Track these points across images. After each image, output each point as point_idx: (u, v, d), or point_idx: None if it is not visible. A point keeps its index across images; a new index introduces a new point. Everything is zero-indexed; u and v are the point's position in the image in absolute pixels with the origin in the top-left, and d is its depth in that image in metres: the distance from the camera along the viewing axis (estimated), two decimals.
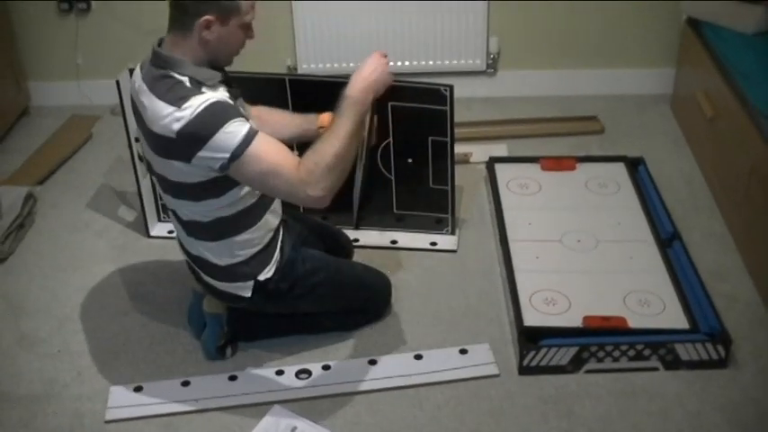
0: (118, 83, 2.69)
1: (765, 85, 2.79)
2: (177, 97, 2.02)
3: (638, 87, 3.76)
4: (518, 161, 3.22)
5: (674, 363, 2.34)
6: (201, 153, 2.01)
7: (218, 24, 2.07)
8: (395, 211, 2.87)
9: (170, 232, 2.96)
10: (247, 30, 2.14)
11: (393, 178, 2.80)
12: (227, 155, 2.00)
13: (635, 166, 3.16)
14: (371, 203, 2.85)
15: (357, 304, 2.51)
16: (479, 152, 3.31)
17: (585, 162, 3.19)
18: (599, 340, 2.33)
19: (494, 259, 2.79)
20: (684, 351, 2.33)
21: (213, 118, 2.00)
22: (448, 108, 2.61)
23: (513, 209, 2.93)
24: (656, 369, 2.35)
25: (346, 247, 2.72)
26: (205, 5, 2.05)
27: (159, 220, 3.00)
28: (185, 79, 2.06)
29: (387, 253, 2.81)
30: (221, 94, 2.08)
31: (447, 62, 3.65)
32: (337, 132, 2.07)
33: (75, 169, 3.38)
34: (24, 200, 3.00)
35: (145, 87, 2.09)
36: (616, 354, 2.33)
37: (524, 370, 2.35)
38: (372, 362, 2.41)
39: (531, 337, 2.35)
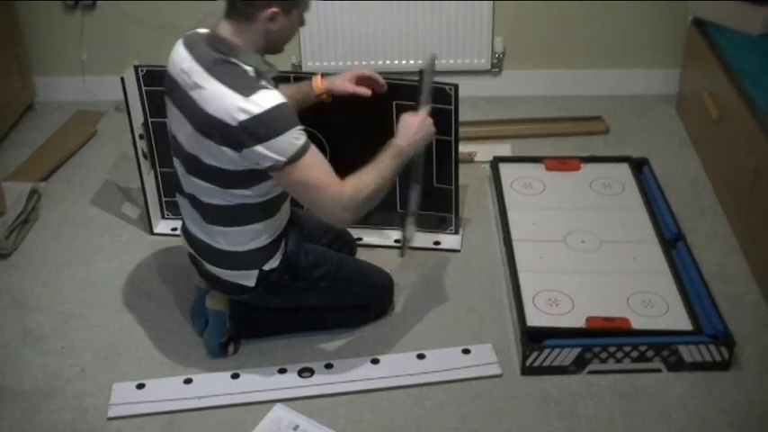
0: (122, 79, 2.69)
1: None
2: (243, 86, 2.05)
3: (644, 88, 3.75)
4: (522, 161, 3.22)
5: (677, 364, 2.34)
6: (258, 148, 2.04)
7: (282, 15, 2.11)
8: (398, 210, 2.87)
9: (173, 229, 2.96)
10: (302, 18, 2.19)
11: (397, 177, 2.79)
12: (284, 159, 2.06)
13: (639, 166, 3.16)
14: None
15: (359, 300, 2.51)
16: (484, 152, 3.31)
17: (590, 162, 3.18)
18: (602, 341, 2.33)
19: (497, 259, 2.79)
20: (688, 353, 2.33)
21: (281, 120, 2.05)
22: (453, 107, 2.61)
23: (517, 209, 2.93)
24: (659, 371, 2.35)
25: (349, 245, 2.72)
26: None
27: (163, 218, 3.00)
28: (249, 69, 2.10)
29: (390, 252, 2.81)
30: (279, 92, 2.10)
31: (452, 61, 3.65)
32: (381, 171, 2.21)
33: (80, 165, 3.38)
34: (29, 195, 3.00)
35: (199, 69, 2.10)
36: (619, 355, 2.33)
37: (527, 370, 2.35)
38: (375, 361, 2.41)
39: (534, 338, 2.35)
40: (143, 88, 2.75)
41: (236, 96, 2.04)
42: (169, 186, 2.93)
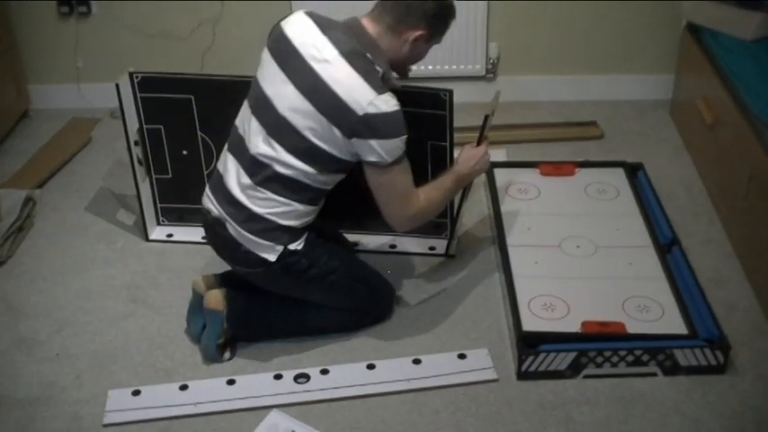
0: (117, 86, 2.69)
1: (765, 93, 2.79)
2: (376, 84, 2.20)
3: (638, 93, 3.76)
4: (517, 166, 3.23)
5: (672, 369, 2.34)
6: (372, 142, 2.19)
7: (423, 42, 2.30)
8: None
9: (168, 236, 2.96)
10: (428, 51, 2.39)
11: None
12: (389, 159, 2.22)
13: (634, 171, 3.17)
14: (371, 208, 2.85)
15: (359, 303, 2.51)
16: None
17: (585, 167, 3.19)
18: (598, 346, 2.33)
19: (492, 264, 2.79)
20: (683, 357, 2.33)
21: (399, 124, 2.23)
22: (447, 113, 2.61)
23: (512, 214, 2.94)
24: (654, 375, 2.35)
25: (349, 249, 2.74)
26: (428, 21, 2.27)
27: (158, 224, 3.00)
28: (380, 71, 2.25)
29: (386, 257, 2.81)
30: None
31: (447, 67, 3.65)
32: (444, 193, 2.44)
33: (75, 172, 3.38)
34: (24, 203, 3.00)
35: (334, 50, 2.20)
36: (615, 359, 2.33)
37: (523, 375, 2.35)
38: (371, 366, 2.41)
39: (529, 343, 2.35)
40: (138, 95, 2.75)
41: (369, 90, 2.18)
42: (164, 193, 2.94)
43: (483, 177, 3.20)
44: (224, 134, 2.76)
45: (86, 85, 3.77)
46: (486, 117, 2.60)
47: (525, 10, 3.61)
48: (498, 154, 3.37)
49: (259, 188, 2.29)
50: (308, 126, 2.22)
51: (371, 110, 2.17)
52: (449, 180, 2.46)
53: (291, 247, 2.33)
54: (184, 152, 2.86)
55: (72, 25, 3.67)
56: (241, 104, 2.65)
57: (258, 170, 2.29)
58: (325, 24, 2.27)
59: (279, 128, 2.25)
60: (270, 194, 2.29)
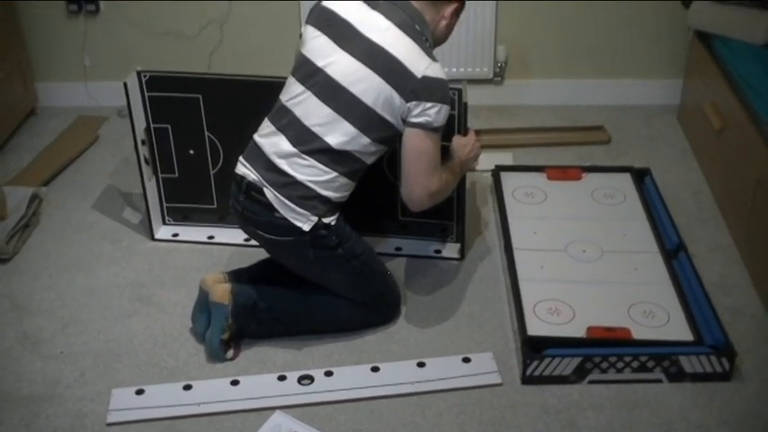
0: (125, 84, 2.69)
1: None
2: (429, 53, 2.30)
3: (646, 98, 3.75)
4: (524, 170, 3.22)
5: (677, 375, 2.34)
6: (427, 104, 2.27)
7: (455, 16, 2.41)
8: (400, 217, 2.87)
9: (174, 235, 2.96)
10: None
11: (399, 184, 2.79)
12: (435, 125, 2.29)
13: (641, 176, 3.16)
14: (377, 210, 2.85)
15: (371, 298, 2.52)
16: (485, 160, 3.29)
17: (591, 172, 3.18)
18: (603, 351, 2.33)
19: (498, 268, 2.79)
20: (689, 363, 2.32)
21: (449, 94, 2.34)
22: (456, 112, 2.59)
23: (519, 218, 2.93)
24: (659, 381, 2.34)
25: None
26: None
27: (164, 223, 3.00)
28: (428, 44, 2.34)
29: (391, 260, 2.81)
30: None
31: (454, 70, 3.65)
32: (453, 175, 2.48)
33: (81, 170, 3.38)
34: (30, 200, 3.00)
35: (386, 21, 2.30)
36: (620, 365, 2.33)
37: (527, 379, 2.35)
38: (375, 369, 2.41)
39: (534, 347, 2.35)
40: (146, 94, 2.75)
41: (425, 56, 2.28)
42: (170, 192, 2.94)
43: (489, 181, 3.20)
44: (231, 134, 2.78)
45: (94, 83, 3.78)
46: (466, 105, 2.60)
47: (533, 14, 3.60)
48: (505, 158, 3.36)
49: (304, 155, 2.32)
50: (365, 91, 2.28)
51: (430, 73, 2.26)
52: (455, 165, 2.50)
53: (325, 220, 2.35)
54: (191, 152, 2.86)
55: (80, 23, 3.68)
56: (249, 105, 2.67)
57: (307, 140, 2.31)
58: (370, 1, 2.35)
59: (331, 93, 2.30)
60: (314, 162, 2.31)
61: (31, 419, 2.27)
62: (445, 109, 2.30)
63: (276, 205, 2.34)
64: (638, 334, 2.40)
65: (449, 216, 2.83)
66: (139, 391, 2.34)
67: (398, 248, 2.87)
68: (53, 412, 2.30)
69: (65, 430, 2.24)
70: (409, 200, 2.39)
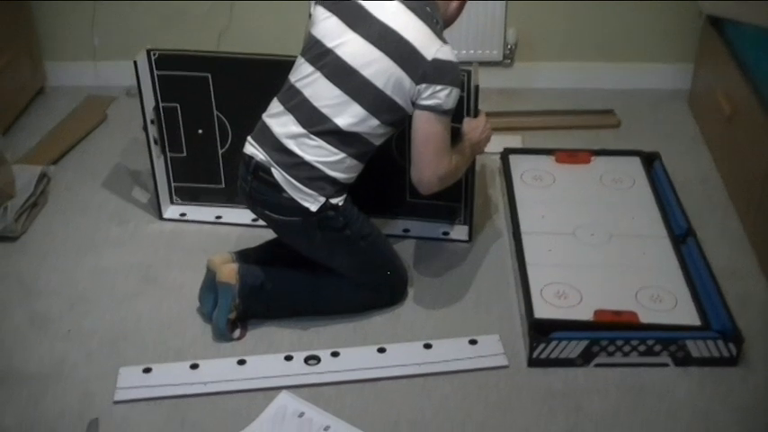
0: (135, 64, 2.68)
1: None
2: (439, 34, 2.30)
3: (656, 82, 3.73)
4: (533, 153, 3.21)
5: (684, 360, 2.33)
6: (437, 86, 2.25)
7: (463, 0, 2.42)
8: (408, 199, 2.86)
9: (182, 215, 2.96)
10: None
11: (407, 166, 2.78)
12: (445, 108, 2.28)
13: (651, 161, 3.14)
14: (384, 191, 2.85)
15: (377, 280, 2.52)
16: (494, 143, 3.28)
17: (601, 156, 3.17)
18: (610, 335, 2.32)
19: (506, 251, 2.79)
20: (695, 348, 2.32)
21: (459, 77, 2.34)
22: (466, 94, 2.58)
23: (527, 201, 2.92)
24: (666, 365, 2.34)
25: None
26: None
27: (172, 203, 3.00)
28: (438, 26, 2.33)
29: (398, 242, 2.80)
30: None
31: (464, 52, 3.63)
32: (464, 158, 2.48)
33: (90, 150, 3.38)
34: (38, 179, 3.01)
35: (398, 2, 2.29)
36: (626, 349, 2.32)
37: (533, 362, 2.35)
38: (381, 350, 2.41)
39: (541, 330, 2.34)
40: (155, 72, 2.75)
41: (436, 38, 2.27)
42: (179, 171, 2.94)
43: (498, 163, 3.19)
44: (240, 113, 2.77)
45: (103, 62, 3.77)
46: (477, 87, 2.58)
47: None
48: (514, 140, 3.35)
49: (313, 136, 2.31)
50: (376, 73, 2.27)
51: (441, 55, 2.25)
52: (466, 147, 2.49)
53: (333, 201, 2.35)
54: (200, 131, 2.86)
55: (89, 3, 3.66)
56: (258, 84, 2.65)
57: (316, 121, 2.31)
58: None
59: (345, 78, 2.29)
60: (322, 142, 2.31)
61: (39, 398, 2.28)
62: (456, 92, 2.29)
63: (284, 185, 2.33)
64: (645, 318, 2.39)
65: (457, 198, 2.82)
66: (147, 370, 2.35)
67: (406, 230, 2.87)
68: (60, 390, 2.30)
69: (72, 408, 2.25)
70: (419, 183, 2.37)
